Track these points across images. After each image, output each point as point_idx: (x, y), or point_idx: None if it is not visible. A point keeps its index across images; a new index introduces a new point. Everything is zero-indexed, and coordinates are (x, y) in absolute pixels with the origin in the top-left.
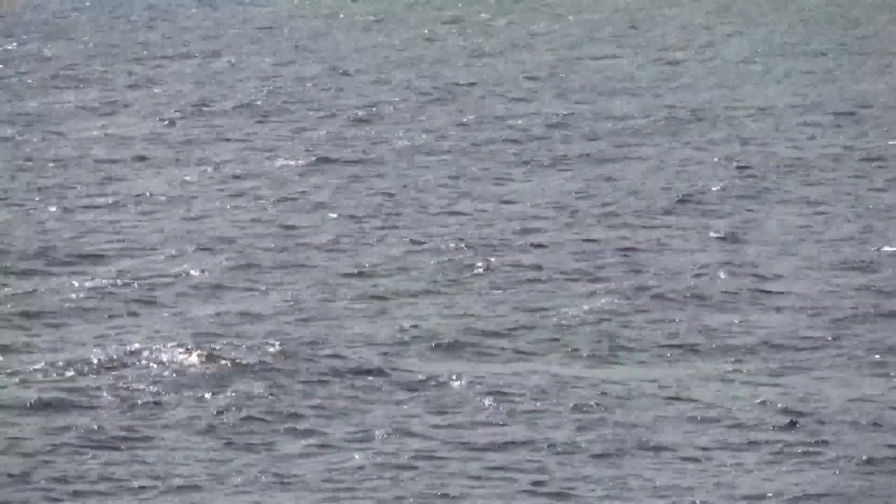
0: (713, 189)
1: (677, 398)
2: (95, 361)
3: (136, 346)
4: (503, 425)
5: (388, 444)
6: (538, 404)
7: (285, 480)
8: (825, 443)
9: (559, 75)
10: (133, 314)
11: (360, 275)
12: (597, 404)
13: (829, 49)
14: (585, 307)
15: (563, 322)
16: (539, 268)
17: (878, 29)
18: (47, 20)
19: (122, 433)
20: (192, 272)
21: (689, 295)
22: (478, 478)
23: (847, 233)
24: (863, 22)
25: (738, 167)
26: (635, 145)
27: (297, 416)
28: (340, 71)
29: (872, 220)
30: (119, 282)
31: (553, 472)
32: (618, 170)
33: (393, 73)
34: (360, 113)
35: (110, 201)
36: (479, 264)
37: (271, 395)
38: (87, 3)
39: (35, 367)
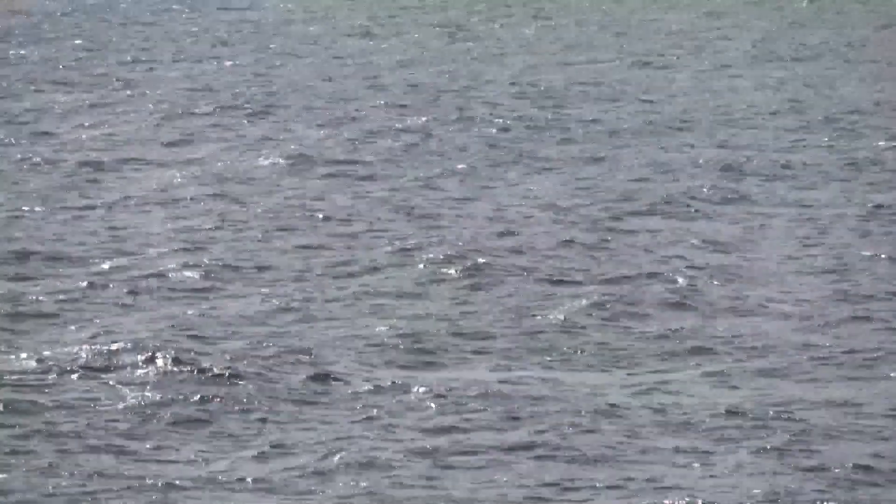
0: (697, 193)
1: (659, 402)
2: (74, 364)
3: (117, 347)
4: (481, 430)
5: (366, 447)
6: (518, 408)
7: (264, 481)
8: (806, 450)
9: (547, 79)
10: (115, 316)
11: (342, 277)
12: (576, 408)
13: (817, 55)
14: (568, 311)
15: (545, 326)
16: (523, 271)
17: (867, 35)
18: (37, 23)
19: (101, 435)
20: (175, 274)
21: (672, 299)
22: (454, 481)
23: (832, 237)
24: (853, 28)
25: (724, 171)
26: (621, 149)
27: (276, 419)
28: (329, 74)
29: (858, 225)
30: (101, 283)
31: (530, 476)
32: (603, 173)
33: (381, 77)
34: (347, 116)
35: (94, 203)
36: (461, 268)
37: (254, 397)
38: (87, 5)
39: (16, 368)
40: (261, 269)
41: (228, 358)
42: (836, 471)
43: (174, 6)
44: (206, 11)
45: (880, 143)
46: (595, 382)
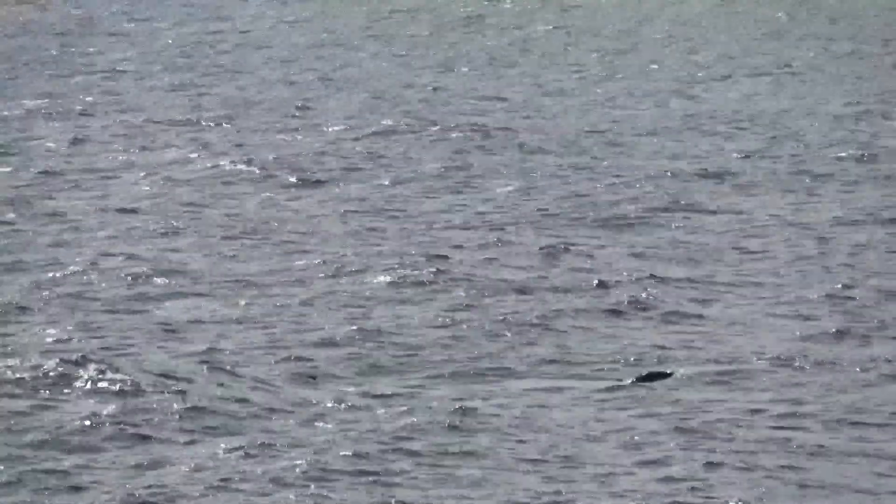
0: (659, 203)
1: (614, 413)
2: (22, 375)
3: (72, 358)
4: (438, 439)
5: (322, 456)
6: (471, 418)
7: (230, 485)
8: (764, 463)
9: (518, 89)
10: (69, 325)
11: (306, 285)
12: (533, 419)
13: (793, 66)
14: (527, 320)
15: (504, 335)
16: (484, 279)
17: (851, 48)
18: (25, 31)
19: (47, 450)
20: (136, 281)
21: (632, 308)
22: (415, 487)
23: (792, 248)
24: (831, 40)
25: (688, 181)
26: (588, 158)
27: (235, 428)
28: (301, 82)
29: (819, 235)
30: (54, 294)
31: (487, 486)
32: (566, 183)
33: (352, 86)
34: (316, 124)
35: (56, 210)
36: (421, 277)
37: (213, 406)
38: (73, 16)
39: None
40: (226, 276)
41: (185, 366)
42: (803, 482)
43: (158, 16)
44: (191, 21)
45: (843, 154)
46: (551, 392)
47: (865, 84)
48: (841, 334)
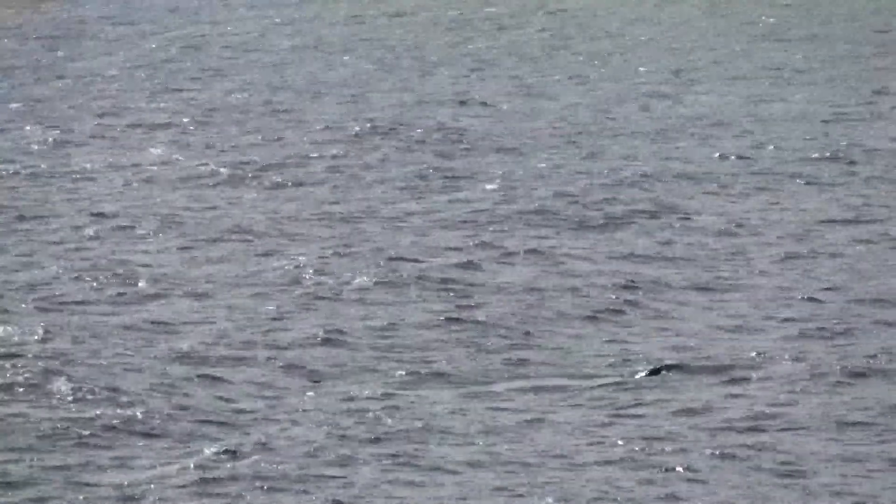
0: (628, 205)
1: (578, 415)
2: None
3: (62, 360)
4: (432, 441)
5: (316, 455)
6: (445, 422)
7: (216, 487)
8: (743, 467)
9: (500, 93)
10: (37, 326)
11: (280, 287)
12: (502, 422)
13: (780, 70)
14: (505, 323)
15: (484, 337)
16: (463, 281)
17: (842, 51)
18: (14, 35)
19: (47, 446)
20: (108, 283)
21: (597, 312)
22: (407, 490)
23: (775, 250)
24: (822, 41)
25: (668, 183)
26: (562, 160)
27: (225, 427)
28: (280, 87)
29: (805, 236)
30: (22, 297)
31: (486, 487)
32: (537, 185)
33: (330, 91)
34: (299, 125)
35: (29, 213)
36: (389, 279)
37: (181, 410)
38: (68, 19)
39: None
40: (209, 278)
41: (170, 369)
42: (796, 484)
43: (147, 20)
44: (179, 25)
45: (829, 156)
46: (540, 394)
47: (853, 87)
48: (830, 335)
